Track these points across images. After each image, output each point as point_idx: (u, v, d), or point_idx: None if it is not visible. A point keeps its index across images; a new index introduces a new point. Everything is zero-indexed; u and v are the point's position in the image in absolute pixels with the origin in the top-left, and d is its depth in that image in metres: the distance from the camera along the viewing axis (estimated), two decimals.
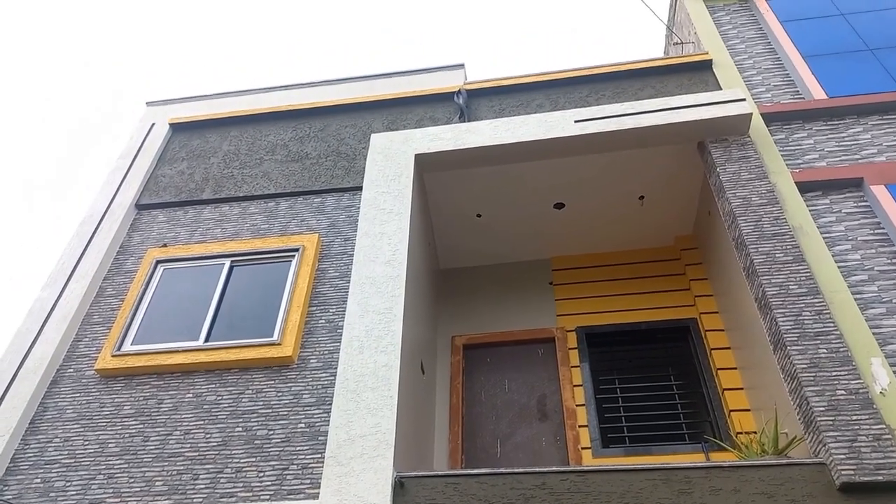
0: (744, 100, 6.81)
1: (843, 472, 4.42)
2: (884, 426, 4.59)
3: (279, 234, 7.22)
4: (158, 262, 7.18)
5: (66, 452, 5.75)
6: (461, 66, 8.75)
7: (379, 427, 5.14)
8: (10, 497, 5.49)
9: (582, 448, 6.73)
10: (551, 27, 34.80)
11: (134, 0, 33.42)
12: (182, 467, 5.45)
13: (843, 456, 4.48)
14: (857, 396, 4.76)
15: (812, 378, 4.90)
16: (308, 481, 5.19)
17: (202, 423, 5.72)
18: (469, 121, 7.80)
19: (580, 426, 6.90)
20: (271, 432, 5.56)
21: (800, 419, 4.99)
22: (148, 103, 9.43)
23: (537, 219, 7.97)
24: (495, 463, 6.88)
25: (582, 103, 7.89)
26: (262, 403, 5.77)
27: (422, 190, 7.37)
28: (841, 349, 5.03)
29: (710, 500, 4.52)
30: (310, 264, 6.70)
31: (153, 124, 9.03)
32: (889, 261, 5.72)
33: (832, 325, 5.18)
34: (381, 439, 5.07)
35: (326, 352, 6.04)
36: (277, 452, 5.42)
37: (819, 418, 4.69)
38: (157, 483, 5.38)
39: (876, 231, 5.96)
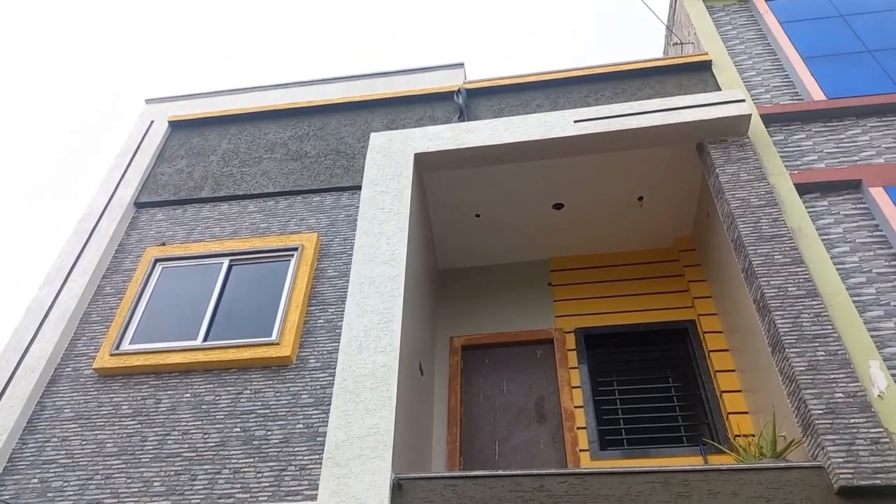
0: (743, 101, 6.81)
1: (840, 476, 4.42)
2: (882, 430, 4.60)
3: (278, 233, 7.21)
4: (157, 260, 7.17)
5: (64, 452, 5.74)
6: (461, 65, 8.74)
7: (377, 428, 5.14)
8: (7, 497, 5.48)
9: (580, 450, 6.73)
10: (551, 27, 34.79)
11: (134, 0, 33.36)
12: (180, 468, 5.44)
13: (841, 459, 4.49)
14: (856, 400, 4.76)
15: (810, 381, 4.90)
16: (306, 482, 5.18)
17: (200, 423, 5.72)
18: (468, 120, 7.79)
19: (578, 428, 6.91)
20: (269, 433, 5.56)
21: (798, 422, 5.00)
22: (147, 101, 9.40)
23: (536, 219, 7.96)
24: (493, 465, 6.88)
25: (581, 103, 7.88)
26: (260, 403, 5.77)
27: (421, 189, 7.37)
28: (839, 352, 5.03)
29: (708, 503, 4.52)
30: (309, 264, 6.69)
31: (152, 122, 9.01)
32: (887, 263, 5.72)
33: (830, 327, 5.18)
34: (379, 440, 5.07)
35: (325, 352, 6.03)
36: (276, 453, 5.42)
37: (817, 421, 4.70)
38: (154, 483, 5.38)
39: (874, 233, 5.96)
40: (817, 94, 7.23)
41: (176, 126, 8.97)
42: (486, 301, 8.29)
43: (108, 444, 5.71)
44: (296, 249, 6.85)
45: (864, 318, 5.36)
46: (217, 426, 5.67)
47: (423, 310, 7.22)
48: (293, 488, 5.17)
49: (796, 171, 6.54)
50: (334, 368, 5.76)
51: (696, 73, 7.93)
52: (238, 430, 5.62)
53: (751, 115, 6.73)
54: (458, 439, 7.06)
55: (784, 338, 5.17)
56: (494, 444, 7.09)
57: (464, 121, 7.82)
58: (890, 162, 6.46)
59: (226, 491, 5.23)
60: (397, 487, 4.86)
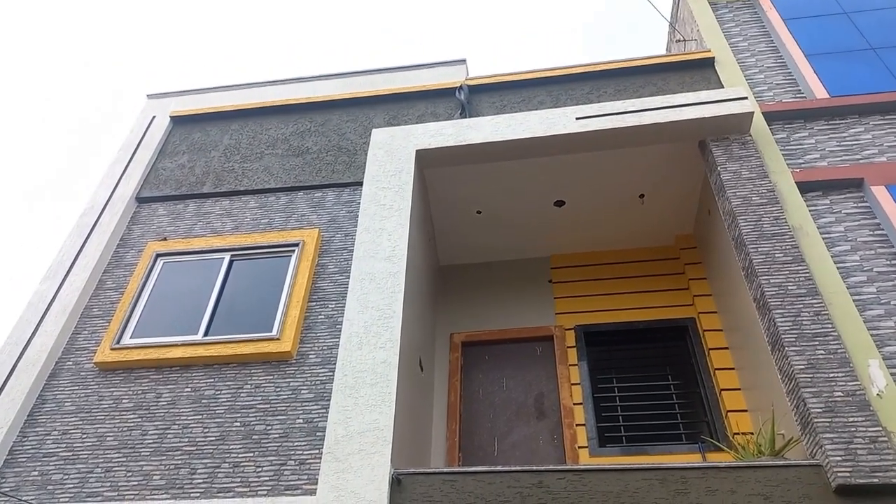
0: (746, 98, 6.80)
1: (839, 474, 4.43)
2: (880, 428, 4.60)
3: (279, 228, 7.22)
4: (158, 255, 7.18)
5: (65, 445, 5.76)
6: (463, 61, 8.73)
7: (377, 423, 5.15)
8: (7, 490, 5.51)
9: (579, 447, 6.74)
10: (552, 26, 34.71)
11: (134, 0, 33.34)
12: (180, 461, 5.46)
13: (839, 458, 4.49)
14: (855, 398, 4.77)
15: (809, 379, 4.91)
16: (305, 477, 5.20)
17: (200, 417, 5.73)
18: (470, 117, 7.78)
19: (577, 425, 6.92)
20: (269, 427, 5.57)
21: (797, 420, 5.00)
22: (149, 96, 9.41)
23: (537, 216, 7.96)
24: (493, 461, 6.90)
25: (583, 100, 7.86)
26: (260, 398, 5.78)
27: (422, 186, 7.37)
28: (839, 350, 5.03)
29: (706, 500, 4.53)
30: (310, 259, 6.70)
31: (154, 117, 9.01)
32: (888, 262, 5.71)
33: (830, 326, 5.18)
34: (378, 436, 5.08)
35: (325, 347, 6.04)
36: (275, 448, 5.43)
37: (816, 420, 4.70)
38: (154, 477, 5.40)
39: (875, 232, 5.95)
40: (820, 92, 7.20)
41: (178, 121, 8.98)
42: (487, 298, 8.30)
43: (108, 438, 5.73)
44: (297, 245, 6.86)
45: (864, 316, 5.35)
46: (217, 420, 5.69)
47: (424, 306, 7.23)
48: (293, 483, 5.19)
49: (798, 170, 6.53)
50: (334, 364, 5.78)
51: (699, 71, 7.92)
52: (238, 424, 5.64)
53: (753, 112, 6.72)
54: (457, 435, 7.07)
55: (784, 336, 5.17)
56: (494, 441, 7.11)
57: (466, 117, 7.81)
58: (892, 161, 6.45)
59: (225, 485, 5.25)
60: (396, 482, 4.88)
